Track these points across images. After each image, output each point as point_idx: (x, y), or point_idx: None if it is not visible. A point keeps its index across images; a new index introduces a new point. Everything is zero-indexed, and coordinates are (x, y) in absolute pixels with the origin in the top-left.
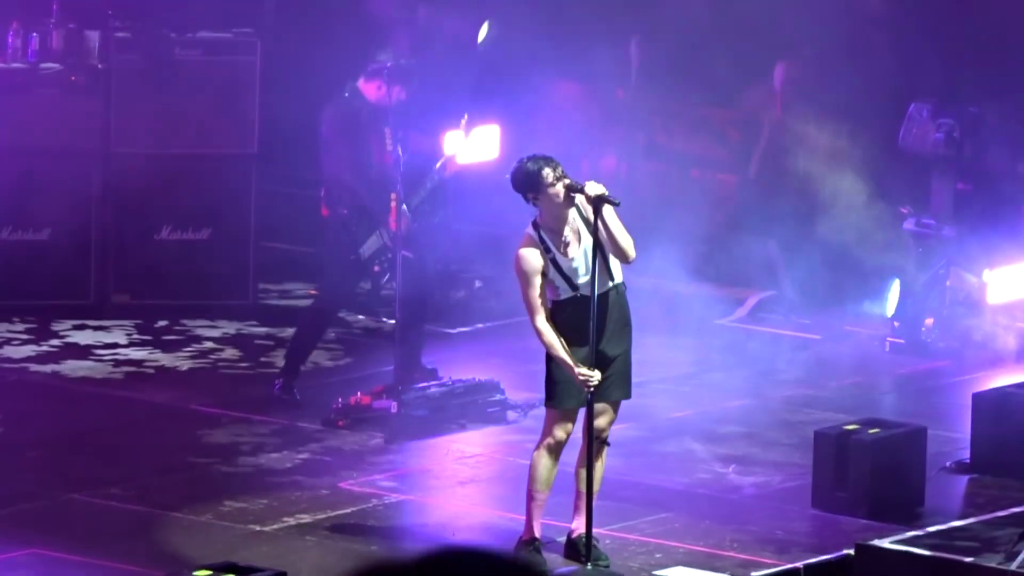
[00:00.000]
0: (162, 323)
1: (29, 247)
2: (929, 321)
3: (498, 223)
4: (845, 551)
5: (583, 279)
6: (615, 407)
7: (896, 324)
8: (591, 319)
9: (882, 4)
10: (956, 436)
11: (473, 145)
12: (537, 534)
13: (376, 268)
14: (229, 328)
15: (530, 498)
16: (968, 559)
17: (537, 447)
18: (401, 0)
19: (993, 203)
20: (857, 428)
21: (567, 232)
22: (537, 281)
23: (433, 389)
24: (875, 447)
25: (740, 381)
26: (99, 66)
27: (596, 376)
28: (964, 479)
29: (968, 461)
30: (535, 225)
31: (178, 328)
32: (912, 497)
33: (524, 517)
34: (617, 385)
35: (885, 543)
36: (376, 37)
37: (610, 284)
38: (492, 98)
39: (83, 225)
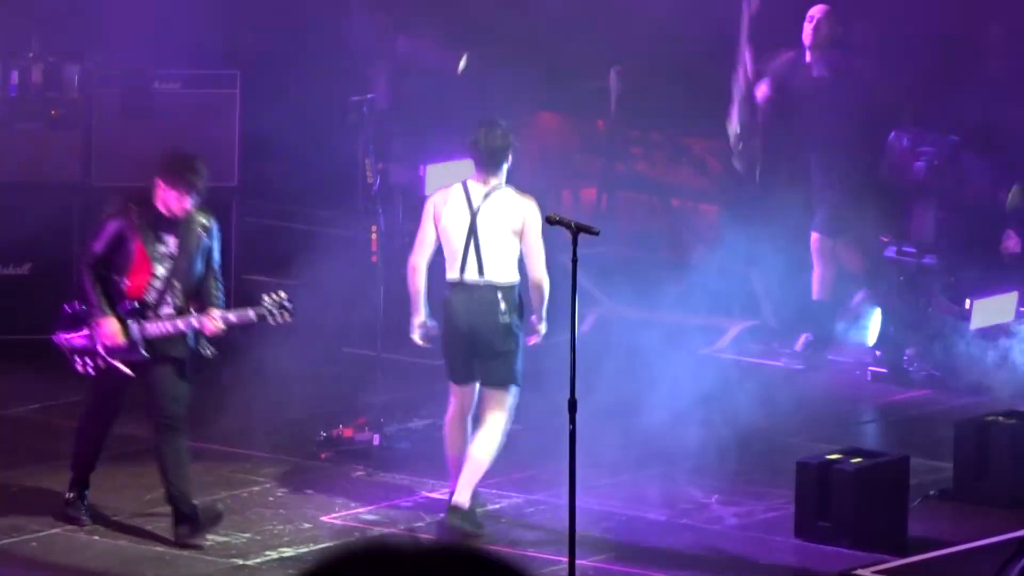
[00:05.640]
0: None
1: (11, 282)
2: (911, 350)
3: None
4: None
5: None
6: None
7: (878, 353)
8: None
9: (863, 31)
10: (939, 465)
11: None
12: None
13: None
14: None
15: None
16: None
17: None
18: (381, 33)
19: (974, 231)
20: (840, 457)
21: None
22: None
23: (415, 422)
24: (858, 476)
25: (722, 410)
26: (79, 100)
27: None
28: (947, 507)
29: (951, 489)
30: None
31: None
32: (895, 526)
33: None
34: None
35: (868, 572)
36: (356, 70)
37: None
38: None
39: (64, 259)
